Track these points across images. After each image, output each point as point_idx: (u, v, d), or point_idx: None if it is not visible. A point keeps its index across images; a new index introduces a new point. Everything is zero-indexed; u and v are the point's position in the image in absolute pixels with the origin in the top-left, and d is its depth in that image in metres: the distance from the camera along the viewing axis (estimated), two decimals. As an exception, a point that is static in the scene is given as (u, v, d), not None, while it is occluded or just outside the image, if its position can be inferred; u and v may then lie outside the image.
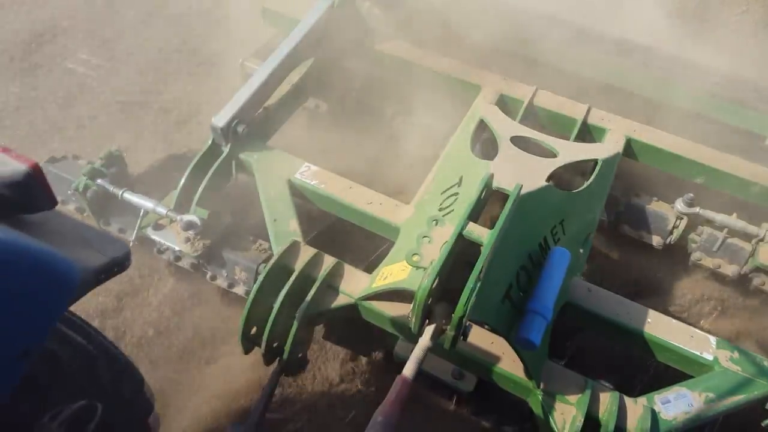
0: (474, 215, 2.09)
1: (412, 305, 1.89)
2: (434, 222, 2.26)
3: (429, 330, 1.94)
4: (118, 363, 1.96)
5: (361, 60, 3.60)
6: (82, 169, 2.90)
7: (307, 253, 2.53)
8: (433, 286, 1.84)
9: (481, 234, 1.96)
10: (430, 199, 2.58)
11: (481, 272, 1.82)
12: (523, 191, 2.32)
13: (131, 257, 1.69)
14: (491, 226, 2.03)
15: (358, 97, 3.71)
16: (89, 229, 1.76)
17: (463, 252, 2.04)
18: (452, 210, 2.37)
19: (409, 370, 1.88)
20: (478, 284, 1.81)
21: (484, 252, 1.86)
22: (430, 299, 1.90)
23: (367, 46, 3.50)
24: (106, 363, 1.89)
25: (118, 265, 1.64)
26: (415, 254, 2.12)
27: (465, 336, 1.87)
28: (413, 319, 1.90)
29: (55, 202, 1.53)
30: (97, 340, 1.89)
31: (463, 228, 1.96)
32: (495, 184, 2.37)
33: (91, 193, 2.85)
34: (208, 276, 2.86)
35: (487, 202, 2.56)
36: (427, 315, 1.95)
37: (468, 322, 1.86)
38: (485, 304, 2.01)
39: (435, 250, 2.05)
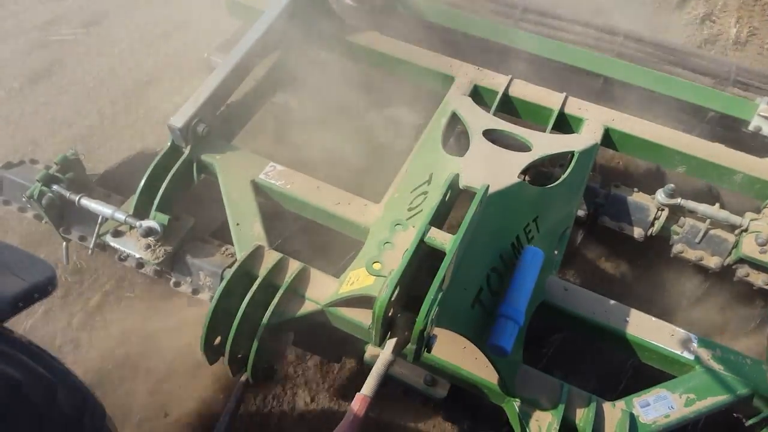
0: (437, 219, 1.97)
1: (371, 315, 1.78)
2: (397, 226, 2.14)
3: (391, 343, 1.83)
4: (79, 394, 1.84)
5: (331, 52, 3.47)
6: (36, 174, 2.76)
7: (270, 258, 2.43)
8: (392, 298, 1.73)
9: (444, 240, 1.85)
10: (400, 198, 2.47)
11: (443, 281, 1.72)
12: (494, 188, 2.22)
13: (56, 281, 1.57)
14: None
15: (329, 91, 3.58)
16: (10, 251, 1.63)
17: (428, 256, 1.93)
18: (420, 210, 2.26)
19: (368, 387, 1.77)
20: (440, 294, 1.70)
21: (446, 260, 1.74)
22: (392, 310, 1.79)
23: (336, 37, 3.37)
24: (66, 393, 1.77)
25: (39, 291, 1.53)
26: (375, 261, 2.01)
27: (429, 348, 1.77)
28: (373, 332, 1.80)
29: None
30: (58, 369, 1.78)
31: (424, 234, 1.84)
32: (464, 183, 2.26)
33: (46, 200, 2.72)
34: (171, 282, 2.75)
35: (461, 199, 2.47)
36: (388, 327, 1.84)
37: (432, 334, 1.76)
38: (453, 311, 1.90)
39: (397, 257, 1.94)
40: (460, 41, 3.50)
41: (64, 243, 2.96)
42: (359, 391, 1.80)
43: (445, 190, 2.06)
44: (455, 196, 2.25)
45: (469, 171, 2.31)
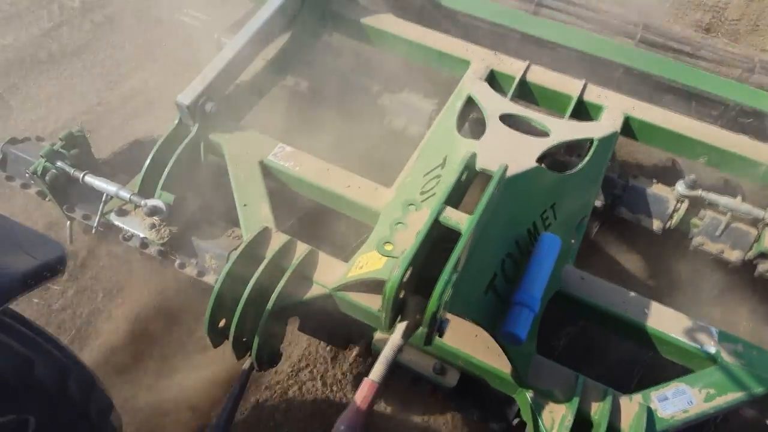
0: (453, 199, 1.89)
1: (381, 299, 1.70)
2: (410, 206, 2.06)
3: (401, 327, 1.75)
4: (89, 381, 1.84)
5: (344, 34, 3.40)
6: (40, 150, 2.70)
7: (278, 240, 2.36)
8: (405, 278, 1.65)
9: (460, 220, 1.77)
10: (412, 182, 2.40)
11: (458, 263, 1.64)
12: (511, 172, 2.13)
13: (66, 260, 1.53)
14: None
15: (341, 73, 3.51)
16: (22, 229, 1.62)
17: (442, 239, 1.86)
18: (434, 194, 2.18)
19: (376, 373, 1.69)
20: (455, 276, 1.62)
21: (462, 240, 1.67)
22: (403, 292, 1.71)
23: (350, 18, 3.29)
24: (76, 378, 1.77)
25: (50, 270, 1.52)
26: (387, 242, 1.93)
27: (441, 333, 1.69)
28: (383, 315, 1.72)
29: None
30: (70, 355, 1.78)
31: (439, 213, 1.76)
32: (480, 165, 2.18)
33: (50, 177, 2.65)
34: (176, 264, 2.68)
35: (475, 185, 2.38)
36: (399, 310, 1.76)
37: (445, 317, 1.68)
38: (466, 296, 1.83)
39: (409, 238, 1.86)
40: (477, 26, 3.42)
41: (68, 222, 2.90)
42: (367, 376, 1.73)
43: (461, 169, 1.98)
44: (471, 177, 2.17)
45: (486, 154, 2.23)
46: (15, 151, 2.88)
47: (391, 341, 1.75)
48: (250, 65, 2.91)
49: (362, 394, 1.65)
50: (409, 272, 1.68)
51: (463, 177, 2.01)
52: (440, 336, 1.71)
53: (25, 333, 1.66)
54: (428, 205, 2.07)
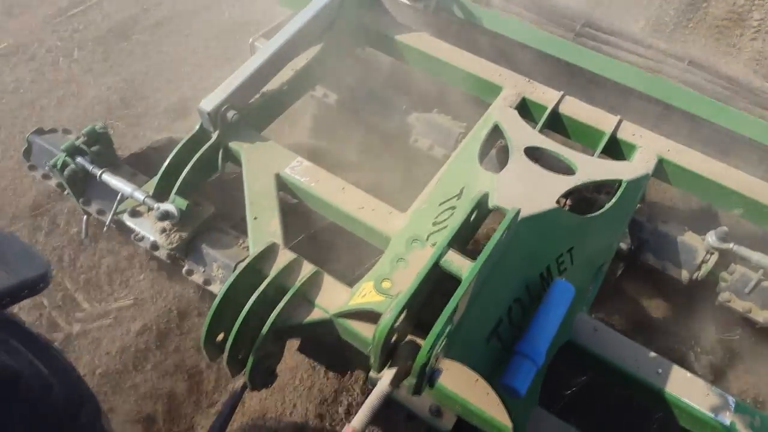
0: (458, 241, 1.80)
1: (371, 341, 1.63)
2: (415, 243, 1.98)
3: (389, 374, 1.67)
4: (77, 389, 1.79)
5: (377, 48, 3.34)
6: (62, 144, 2.71)
7: (284, 257, 2.30)
8: (396, 323, 1.57)
9: (462, 266, 1.68)
10: (427, 210, 2.31)
11: (454, 312, 1.55)
12: (529, 212, 2.04)
13: (49, 278, 1.49)
14: None
15: (370, 88, 3.45)
16: (8, 242, 1.56)
17: (446, 278, 1.78)
18: (445, 227, 2.10)
19: (358, 420, 1.61)
20: (450, 327, 1.54)
21: (461, 289, 1.58)
22: (395, 336, 1.64)
23: (383, 33, 3.23)
24: (64, 388, 1.72)
25: (29, 288, 1.47)
26: (385, 279, 1.86)
27: (431, 384, 1.61)
28: (372, 359, 1.65)
29: None
30: (60, 363, 1.74)
31: (440, 257, 1.68)
32: (495, 202, 2.09)
33: (68, 171, 2.66)
34: (184, 270, 2.66)
35: (491, 218, 2.30)
36: (389, 354, 1.69)
37: (438, 367, 1.60)
38: (465, 343, 1.75)
39: (409, 277, 1.78)
40: (512, 51, 3.32)
41: (84, 216, 2.91)
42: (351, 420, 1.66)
43: (471, 208, 1.89)
44: (482, 216, 2.08)
45: (504, 190, 2.14)
46: (40, 141, 2.90)
47: (378, 389, 1.66)
48: (277, 75, 2.87)
49: None
50: (403, 315, 1.60)
51: (473, 217, 1.93)
52: (431, 387, 1.63)
53: (15, 345, 1.62)
54: (435, 241, 1.99)
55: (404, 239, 2.04)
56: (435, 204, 2.30)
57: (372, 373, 2.20)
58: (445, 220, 2.16)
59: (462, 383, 2.04)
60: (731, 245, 2.66)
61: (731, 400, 2.10)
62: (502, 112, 2.74)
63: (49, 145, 2.87)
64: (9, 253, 1.51)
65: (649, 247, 2.86)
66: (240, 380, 2.25)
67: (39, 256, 1.59)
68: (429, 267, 1.66)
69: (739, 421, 2.05)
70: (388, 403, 1.74)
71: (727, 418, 2.06)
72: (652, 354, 2.18)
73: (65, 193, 2.86)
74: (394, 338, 1.63)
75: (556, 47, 3.21)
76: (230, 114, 2.62)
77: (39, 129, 2.98)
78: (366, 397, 1.68)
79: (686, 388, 2.11)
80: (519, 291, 1.98)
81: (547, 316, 1.93)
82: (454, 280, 1.70)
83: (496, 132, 2.67)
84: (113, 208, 2.67)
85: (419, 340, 1.68)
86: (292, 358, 2.87)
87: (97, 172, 2.67)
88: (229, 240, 2.66)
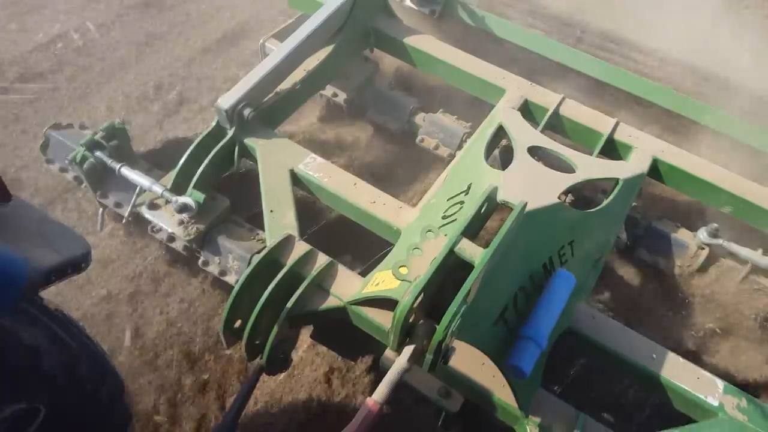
0: (471, 230, 1.94)
1: (392, 318, 1.75)
2: (428, 233, 2.11)
3: (408, 350, 1.80)
4: (100, 364, 1.85)
5: (385, 50, 3.47)
6: (81, 139, 2.81)
7: (299, 249, 2.42)
8: (415, 304, 1.70)
9: (474, 253, 1.81)
10: (436, 205, 2.44)
11: (467, 294, 1.68)
12: (533, 207, 2.17)
13: (90, 258, 1.58)
14: None
15: (378, 89, 3.58)
16: (50, 223, 1.65)
17: (457, 267, 1.91)
18: (454, 220, 2.23)
19: (379, 393, 1.74)
20: (464, 307, 1.67)
21: (474, 273, 1.71)
22: (413, 317, 1.76)
23: (391, 36, 3.36)
24: (87, 363, 1.77)
25: (73, 266, 1.54)
26: (402, 266, 1.98)
27: (446, 360, 1.73)
28: (391, 337, 1.77)
29: (8, 197, 1.43)
30: (82, 339, 1.78)
31: (455, 244, 1.81)
32: (502, 197, 2.22)
33: (88, 165, 2.76)
34: (200, 261, 2.77)
35: (495, 215, 2.43)
36: (407, 334, 1.81)
37: (452, 345, 1.73)
38: (475, 326, 1.87)
39: (424, 264, 1.91)
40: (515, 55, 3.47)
41: (101, 209, 3.01)
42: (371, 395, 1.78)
43: (482, 201, 2.02)
44: (491, 209, 2.21)
45: (509, 186, 2.27)
46: (57, 136, 3.00)
47: (397, 364, 1.80)
48: (290, 75, 2.99)
49: (364, 413, 1.70)
50: (420, 298, 1.73)
51: (483, 209, 2.05)
52: (445, 363, 1.75)
53: (39, 322, 1.68)
54: (446, 231, 2.12)
55: (418, 230, 2.16)
56: (443, 199, 2.43)
57: (383, 359, 2.34)
58: (454, 213, 2.29)
59: (470, 365, 2.18)
60: (721, 241, 2.81)
61: (720, 382, 2.24)
62: (506, 114, 2.88)
63: (66, 139, 2.97)
64: (52, 233, 1.59)
65: (643, 243, 3.01)
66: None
67: (81, 237, 1.67)
68: (445, 253, 1.79)
69: (726, 402, 2.19)
70: (398, 389, 1.86)
71: (716, 399, 2.20)
72: (647, 340, 2.32)
73: (82, 186, 2.96)
74: (411, 319, 1.76)
75: (564, 54, 3.37)
76: (246, 111, 2.73)
77: (56, 124, 3.08)
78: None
79: (678, 372, 2.25)
80: (524, 280, 2.11)
81: (550, 303, 2.06)
82: (463, 272, 1.83)
83: (500, 132, 2.80)
84: (132, 201, 2.78)
85: (434, 324, 1.81)
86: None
87: (116, 166, 2.78)
88: (244, 233, 2.77)
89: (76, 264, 1.58)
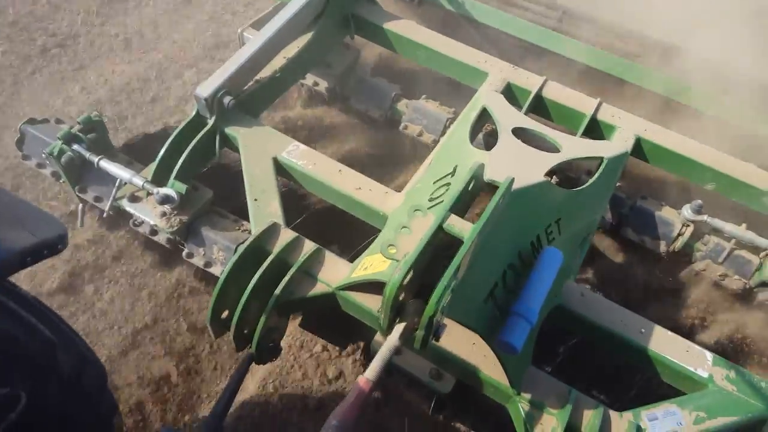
0: (458, 207, 1.93)
1: (381, 300, 1.74)
2: (416, 212, 2.10)
3: (399, 328, 1.79)
4: (79, 352, 1.82)
5: (365, 37, 3.44)
6: (58, 132, 2.75)
7: (285, 236, 2.40)
8: (405, 281, 1.69)
9: (463, 228, 1.80)
10: (422, 188, 2.43)
11: (458, 269, 1.67)
12: (519, 185, 2.16)
13: (67, 240, 1.55)
14: None
15: (360, 76, 3.55)
16: (25, 206, 1.62)
17: (446, 246, 1.89)
18: (441, 201, 2.21)
19: (372, 371, 1.72)
20: (455, 282, 1.66)
21: (464, 248, 1.70)
22: (402, 295, 1.75)
23: (372, 22, 3.34)
24: (66, 352, 1.75)
25: (49, 248, 1.51)
26: (391, 245, 1.97)
27: (437, 337, 1.72)
28: (382, 315, 1.76)
29: None
30: (59, 327, 1.76)
31: (443, 220, 1.80)
32: (488, 177, 2.21)
33: (65, 159, 2.71)
34: (184, 253, 2.73)
35: (482, 196, 2.42)
36: (398, 312, 1.80)
37: (442, 323, 1.72)
38: (465, 303, 1.86)
39: (413, 242, 1.89)
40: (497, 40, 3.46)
41: (80, 204, 2.95)
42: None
43: (468, 178, 2.01)
44: (478, 186, 2.20)
45: (495, 165, 2.26)
46: (33, 131, 2.93)
47: (388, 341, 1.78)
48: (270, 63, 2.95)
49: (356, 391, 1.69)
50: (410, 275, 1.71)
51: (470, 186, 2.04)
52: (436, 340, 1.74)
53: (14, 309, 1.63)
54: (434, 211, 2.11)
55: (406, 209, 2.15)
56: (429, 182, 2.42)
57: (374, 342, 2.33)
58: (440, 195, 2.27)
59: (461, 346, 2.17)
60: (705, 217, 2.83)
61: (709, 355, 2.26)
62: (489, 96, 2.87)
63: (42, 134, 2.91)
64: (27, 216, 1.56)
65: (628, 222, 3.02)
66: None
67: (56, 219, 1.64)
68: (434, 229, 1.78)
69: (716, 374, 2.21)
70: (390, 372, 1.85)
71: (705, 371, 2.21)
72: (635, 315, 2.33)
73: (61, 181, 2.90)
74: (401, 297, 1.74)
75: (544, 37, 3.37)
76: (226, 100, 2.69)
77: (30, 119, 3.01)
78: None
79: (667, 346, 2.26)
80: (512, 258, 2.11)
81: (539, 280, 2.06)
82: (450, 251, 1.82)
83: (484, 115, 2.80)
84: (112, 194, 2.73)
85: (424, 303, 1.79)
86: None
87: (95, 159, 2.72)
88: (229, 223, 2.74)
89: (53, 246, 1.55)
